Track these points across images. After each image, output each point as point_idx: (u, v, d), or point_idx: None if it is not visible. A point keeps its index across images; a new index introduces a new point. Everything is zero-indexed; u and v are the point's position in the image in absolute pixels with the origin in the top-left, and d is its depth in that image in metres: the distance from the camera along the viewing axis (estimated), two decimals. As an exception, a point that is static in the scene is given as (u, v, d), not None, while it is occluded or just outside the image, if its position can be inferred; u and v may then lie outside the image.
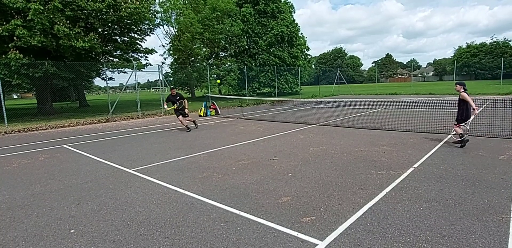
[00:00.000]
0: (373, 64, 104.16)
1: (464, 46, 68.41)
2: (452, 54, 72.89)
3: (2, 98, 11.43)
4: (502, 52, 59.51)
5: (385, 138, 7.68)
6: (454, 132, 6.55)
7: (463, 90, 6.37)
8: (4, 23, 12.16)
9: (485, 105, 13.92)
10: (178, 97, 9.98)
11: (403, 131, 8.45)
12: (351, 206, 3.60)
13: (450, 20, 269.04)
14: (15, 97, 62.22)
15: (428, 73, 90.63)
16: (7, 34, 12.07)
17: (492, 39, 67.05)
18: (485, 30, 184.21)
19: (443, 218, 3.22)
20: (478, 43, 66.10)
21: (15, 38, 12.14)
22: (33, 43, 12.28)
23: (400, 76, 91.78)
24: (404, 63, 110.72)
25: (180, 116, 9.86)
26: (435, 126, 8.96)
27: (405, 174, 4.71)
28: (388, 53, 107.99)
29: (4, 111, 11.14)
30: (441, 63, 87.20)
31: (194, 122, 10.51)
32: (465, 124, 6.41)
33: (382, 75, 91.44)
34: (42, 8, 11.96)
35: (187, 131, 9.91)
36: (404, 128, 8.90)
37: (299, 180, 4.60)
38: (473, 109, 6.16)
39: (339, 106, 17.82)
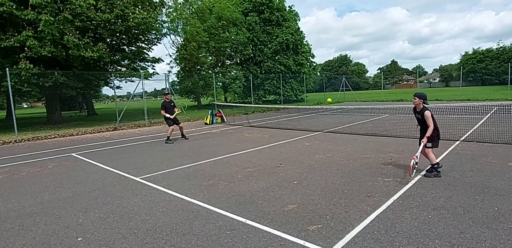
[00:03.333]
0: (379, 71, 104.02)
1: (470, 52, 68.06)
2: (458, 60, 72.51)
3: (12, 107, 11.68)
4: (509, 57, 58.95)
5: (391, 144, 7.63)
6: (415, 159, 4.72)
7: (422, 106, 4.85)
8: (16, 34, 12.51)
9: (493, 111, 13.77)
10: (172, 104, 9.80)
11: (409, 138, 8.37)
12: (358, 214, 3.57)
13: (456, 26, 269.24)
14: (25, 106, 63.32)
15: (434, 79, 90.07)
16: (18, 45, 12.40)
17: (498, 44, 66.55)
18: (492, 35, 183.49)
19: (452, 226, 3.17)
20: (484, 49, 65.73)
21: (26, 48, 12.45)
22: (43, 54, 12.57)
23: (405, 83, 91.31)
24: (410, 69, 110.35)
25: (175, 125, 9.74)
26: (442, 132, 8.84)
27: (413, 181, 4.66)
28: (393, 60, 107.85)
29: (15, 120, 11.34)
30: (447, 69, 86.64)
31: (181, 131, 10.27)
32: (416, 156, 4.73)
33: (387, 82, 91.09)
34: (52, 19, 12.29)
35: (186, 138, 10.05)
36: (411, 134, 8.82)
37: (305, 188, 4.57)
38: (426, 136, 4.68)
39: (345, 113, 17.77)
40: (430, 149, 4.82)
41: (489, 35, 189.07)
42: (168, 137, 9.72)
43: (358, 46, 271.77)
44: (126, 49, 18.47)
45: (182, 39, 26.73)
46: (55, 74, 13.68)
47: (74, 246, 3.10)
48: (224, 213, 3.77)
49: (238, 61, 30.78)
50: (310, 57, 36.06)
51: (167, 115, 9.58)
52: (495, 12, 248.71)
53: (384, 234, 3.06)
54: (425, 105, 4.89)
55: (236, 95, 30.74)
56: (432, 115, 4.75)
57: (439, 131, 4.86)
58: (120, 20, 14.68)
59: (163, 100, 10.01)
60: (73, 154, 8.31)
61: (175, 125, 9.73)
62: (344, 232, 3.13)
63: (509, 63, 26.72)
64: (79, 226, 3.60)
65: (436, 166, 4.85)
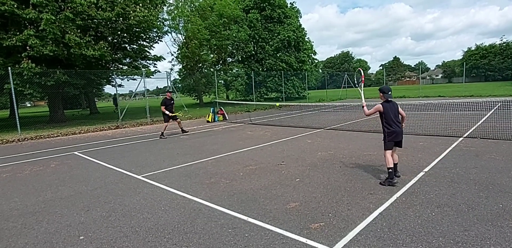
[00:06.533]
0: (381, 67, 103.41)
1: (473, 48, 67.50)
2: (461, 56, 71.91)
3: (15, 106, 11.72)
4: (512, 53, 58.49)
5: (394, 142, 7.57)
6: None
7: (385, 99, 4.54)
8: (18, 33, 12.52)
9: (497, 107, 13.65)
10: (172, 101, 10.45)
11: (412, 135, 8.32)
12: (361, 211, 3.55)
13: (460, 21, 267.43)
14: (28, 105, 63.60)
15: (437, 76, 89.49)
16: (20, 44, 12.42)
17: (501, 40, 65.90)
18: (495, 30, 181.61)
19: (456, 224, 3.13)
20: (487, 45, 65.16)
21: (28, 47, 12.47)
22: (45, 53, 12.59)
23: (408, 79, 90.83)
24: (413, 65, 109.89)
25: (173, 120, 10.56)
26: (445, 129, 8.80)
27: (416, 179, 4.62)
28: (395, 56, 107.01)
29: (18, 119, 11.38)
30: (450, 65, 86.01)
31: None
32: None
33: (390, 78, 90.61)
34: (53, 18, 12.29)
35: (185, 134, 10.74)
36: (414, 131, 8.77)
37: (307, 185, 4.55)
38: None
39: (347, 110, 17.69)
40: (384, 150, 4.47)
41: (493, 31, 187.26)
42: (162, 132, 10.35)
43: (361, 43, 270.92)
44: (128, 47, 18.47)
45: (183, 37, 26.70)
46: (57, 73, 13.69)
47: (76, 245, 3.11)
48: (226, 211, 3.76)
49: (240, 59, 30.70)
50: (312, 54, 35.87)
51: (167, 112, 10.16)
52: (499, 7, 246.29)
53: (387, 232, 3.03)
54: (387, 99, 4.53)
55: (238, 92, 30.68)
56: (380, 109, 4.55)
57: (389, 130, 4.57)
58: (121, 18, 14.66)
59: (164, 97, 10.65)
60: (75, 152, 8.33)
61: (172, 120, 10.45)
62: (347, 230, 3.11)
63: (513, 59, 26.48)
64: (81, 224, 3.60)
65: (390, 170, 4.32)
